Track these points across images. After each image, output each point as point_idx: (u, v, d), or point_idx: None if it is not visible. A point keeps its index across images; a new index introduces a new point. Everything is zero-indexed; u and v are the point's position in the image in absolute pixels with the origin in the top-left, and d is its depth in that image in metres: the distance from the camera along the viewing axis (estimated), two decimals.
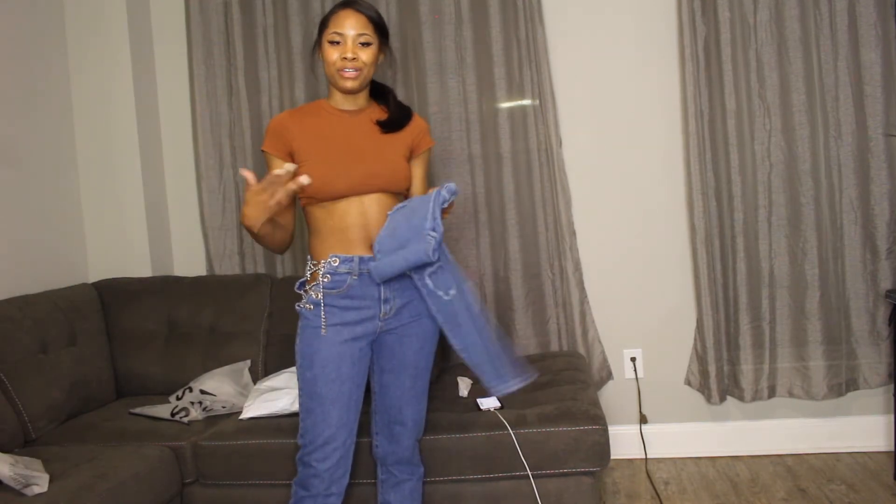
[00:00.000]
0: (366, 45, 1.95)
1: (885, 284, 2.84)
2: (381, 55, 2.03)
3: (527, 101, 3.00)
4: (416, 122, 2.10)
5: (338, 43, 1.94)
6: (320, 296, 1.92)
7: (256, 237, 1.84)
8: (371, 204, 1.97)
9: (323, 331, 1.91)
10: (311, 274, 1.97)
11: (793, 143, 2.86)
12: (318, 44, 2.01)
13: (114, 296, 2.99)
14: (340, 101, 2.04)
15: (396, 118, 2.06)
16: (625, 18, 3.00)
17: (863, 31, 2.78)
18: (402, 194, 2.07)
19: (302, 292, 1.98)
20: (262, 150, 2.01)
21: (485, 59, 3.01)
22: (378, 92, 2.10)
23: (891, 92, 2.79)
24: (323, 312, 1.92)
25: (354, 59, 1.94)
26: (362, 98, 2.05)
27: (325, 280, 1.93)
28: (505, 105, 3.02)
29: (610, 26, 3.01)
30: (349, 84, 1.96)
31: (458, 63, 3.02)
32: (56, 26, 3.13)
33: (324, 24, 1.99)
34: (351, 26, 1.93)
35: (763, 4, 2.83)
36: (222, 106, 3.20)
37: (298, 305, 1.97)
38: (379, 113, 2.07)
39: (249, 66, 3.16)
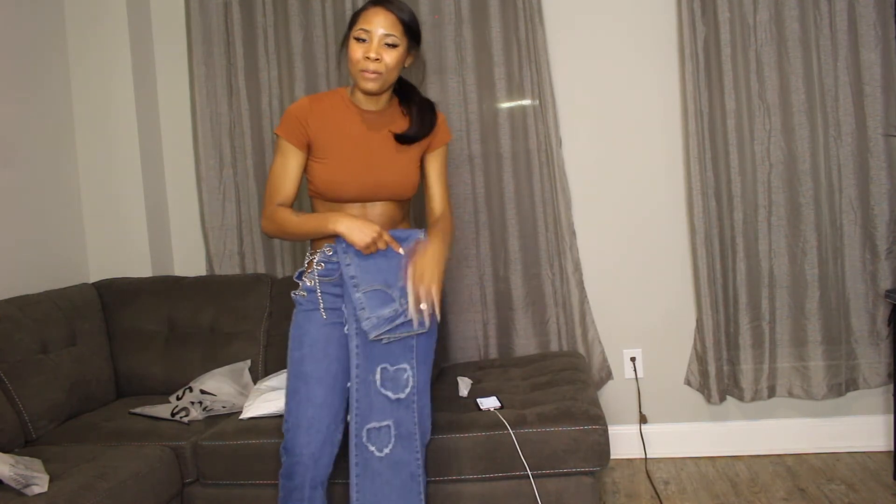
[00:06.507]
0: (392, 46, 1.89)
1: (885, 284, 2.84)
2: (410, 58, 1.98)
3: (527, 101, 3.00)
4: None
5: (364, 41, 1.89)
6: (314, 282, 1.97)
7: (299, 236, 1.99)
8: (374, 207, 2.00)
9: (323, 315, 1.95)
10: (307, 262, 2.02)
11: (793, 143, 2.85)
12: (346, 38, 1.95)
13: (114, 296, 2.99)
14: (362, 100, 2.00)
15: (414, 134, 2.00)
16: (625, 18, 3.00)
17: (862, 31, 2.78)
18: (408, 199, 2.08)
19: (299, 281, 2.03)
20: (276, 133, 1.98)
21: (485, 59, 3.01)
22: (403, 91, 2.06)
23: (890, 92, 2.79)
24: (319, 295, 1.96)
25: (378, 59, 1.88)
26: (384, 98, 2.02)
27: (320, 268, 1.97)
28: (505, 105, 3.02)
29: (610, 26, 3.01)
30: (370, 86, 1.91)
31: (458, 63, 3.02)
32: (56, 26, 3.13)
33: (353, 19, 1.93)
34: (379, 24, 1.88)
35: (763, 4, 2.83)
36: (222, 106, 3.20)
37: (294, 293, 2.02)
38: (400, 118, 2.03)
39: (249, 66, 3.16)
